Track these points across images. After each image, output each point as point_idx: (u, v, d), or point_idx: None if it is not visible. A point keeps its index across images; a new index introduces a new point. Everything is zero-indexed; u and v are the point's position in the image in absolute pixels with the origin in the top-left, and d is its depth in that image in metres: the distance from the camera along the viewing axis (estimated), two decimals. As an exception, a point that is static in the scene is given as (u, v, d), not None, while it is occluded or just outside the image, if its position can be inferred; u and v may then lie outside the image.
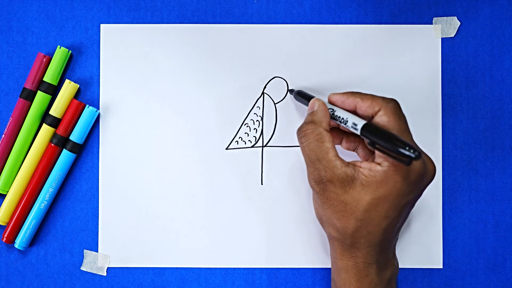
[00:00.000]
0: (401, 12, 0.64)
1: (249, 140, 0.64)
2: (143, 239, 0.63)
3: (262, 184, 0.64)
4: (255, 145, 0.64)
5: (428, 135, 0.64)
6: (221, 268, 0.63)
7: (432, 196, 0.64)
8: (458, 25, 0.64)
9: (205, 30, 0.64)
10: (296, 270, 0.63)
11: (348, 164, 0.54)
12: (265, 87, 0.64)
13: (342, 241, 0.55)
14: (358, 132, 0.53)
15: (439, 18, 0.64)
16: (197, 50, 0.64)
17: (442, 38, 0.64)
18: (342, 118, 0.55)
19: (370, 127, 0.53)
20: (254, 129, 0.64)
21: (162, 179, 0.64)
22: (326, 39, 0.64)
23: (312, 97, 0.59)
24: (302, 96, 0.60)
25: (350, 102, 0.56)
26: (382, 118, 0.53)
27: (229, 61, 0.64)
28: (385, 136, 0.51)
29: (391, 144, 0.50)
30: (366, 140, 0.54)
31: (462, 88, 0.64)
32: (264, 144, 0.64)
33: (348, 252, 0.55)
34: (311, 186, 0.55)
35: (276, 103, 0.64)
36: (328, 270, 0.63)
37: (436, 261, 0.63)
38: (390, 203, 0.53)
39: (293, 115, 0.64)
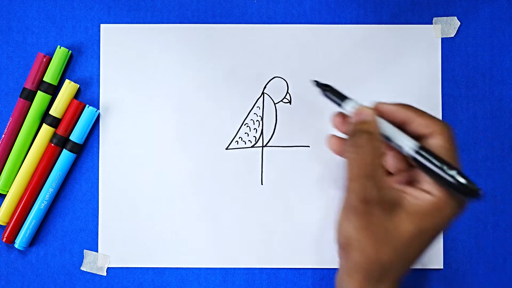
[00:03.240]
0: (401, 12, 0.64)
1: (249, 140, 0.64)
2: (143, 239, 0.63)
3: (262, 184, 0.64)
4: (255, 145, 0.64)
5: (428, 135, 0.64)
6: (221, 268, 0.63)
7: (432, 196, 0.64)
8: (458, 25, 0.64)
9: (205, 30, 0.64)
10: (296, 270, 0.63)
11: (393, 187, 0.48)
12: (265, 87, 0.64)
13: (368, 273, 0.47)
14: (405, 153, 0.49)
15: (439, 18, 0.64)
16: (197, 50, 0.64)
17: (442, 38, 0.64)
18: (389, 136, 0.49)
19: (427, 152, 0.47)
20: (254, 129, 0.64)
21: (162, 179, 0.64)
22: (326, 39, 0.64)
23: (345, 97, 0.52)
24: (335, 94, 0.53)
25: (401, 115, 0.50)
26: (439, 142, 0.48)
27: (229, 61, 0.64)
28: (445, 164, 0.46)
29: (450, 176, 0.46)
30: (414, 163, 0.48)
31: (462, 88, 0.64)
32: (264, 144, 0.64)
33: (371, 287, 0.48)
34: (352, 205, 0.47)
35: (276, 103, 0.64)
36: (328, 270, 0.63)
37: (436, 261, 0.63)
38: (433, 237, 0.48)
39: (293, 115, 0.64)
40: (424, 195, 0.47)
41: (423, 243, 0.48)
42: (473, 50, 0.64)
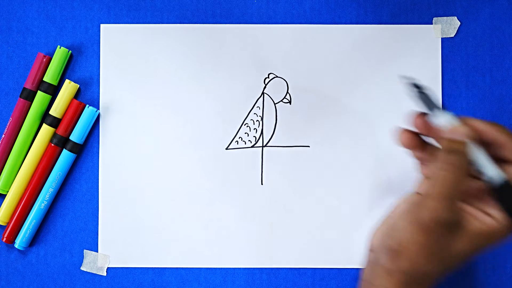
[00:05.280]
0: (401, 12, 0.64)
1: (249, 140, 0.64)
2: (143, 239, 0.63)
3: (262, 184, 0.64)
4: (255, 145, 0.64)
5: (428, 135, 0.64)
6: (221, 268, 0.63)
7: (432, 196, 0.63)
8: (458, 25, 0.64)
9: (205, 30, 0.64)
10: (296, 270, 0.63)
11: (460, 209, 0.48)
12: (265, 87, 0.64)
13: (411, 278, 0.48)
14: (486, 181, 0.47)
15: (439, 18, 0.64)
16: (197, 50, 0.64)
17: (442, 38, 0.64)
18: (476, 159, 0.47)
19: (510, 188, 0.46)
20: (254, 129, 0.64)
21: (162, 179, 0.64)
22: (326, 39, 0.64)
23: (436, 106, 0.49)
24: (426, 100, 0.49)
25: (494, 136, 0.48)
26: None
27: (229, 61, 0.64)
28: None
29: None
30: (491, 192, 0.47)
31: (462, 88, 0.64)
32: (264, 144, 0.64)
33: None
34: (422, 220, 0.46)
35: (276, 103, 0.64)
36: (328, 270, 0.63)
37: (436, 261, 0.63)
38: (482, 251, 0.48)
39: (293, 115, 0.64)
40: (486, 218, 0.47)
41: (472, 259, 0.49)
42: (473, 50, 0.64)
